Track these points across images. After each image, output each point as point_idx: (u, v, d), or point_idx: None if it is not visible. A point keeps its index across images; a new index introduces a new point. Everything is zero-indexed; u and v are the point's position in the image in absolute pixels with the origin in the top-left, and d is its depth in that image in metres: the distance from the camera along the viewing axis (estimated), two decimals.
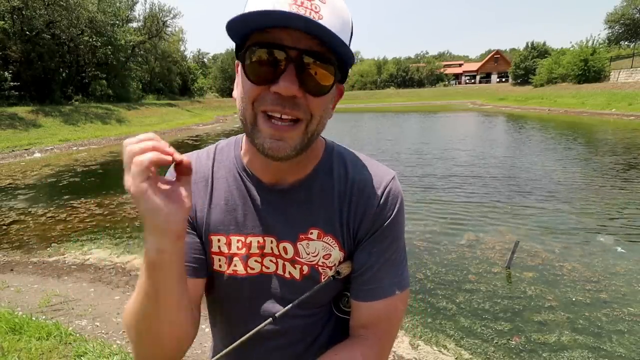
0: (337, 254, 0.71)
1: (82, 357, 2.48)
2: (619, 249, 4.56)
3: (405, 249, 0.75)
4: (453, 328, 3.20)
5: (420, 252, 4.62)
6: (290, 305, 0.70)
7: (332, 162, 0.73)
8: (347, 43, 0.58)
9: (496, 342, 3.01)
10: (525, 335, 3.07)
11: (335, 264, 0.71)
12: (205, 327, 3.08)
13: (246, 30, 0.57)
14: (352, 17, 0.62)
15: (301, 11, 0.54)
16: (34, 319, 2.97)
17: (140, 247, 5.02)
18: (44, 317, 3.12)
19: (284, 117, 0.58)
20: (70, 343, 2.66)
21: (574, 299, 3.54)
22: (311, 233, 0.70)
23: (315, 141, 0.69)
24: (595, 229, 5.22)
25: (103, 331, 3.03)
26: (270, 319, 0.68)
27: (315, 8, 0.55)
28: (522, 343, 2.99)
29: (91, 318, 3.21)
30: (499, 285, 3.85)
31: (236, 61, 0.65)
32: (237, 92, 0.65)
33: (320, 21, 0.54)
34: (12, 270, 4.40)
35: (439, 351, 2.92)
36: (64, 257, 4.74)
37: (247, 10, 0.56)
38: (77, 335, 2.81)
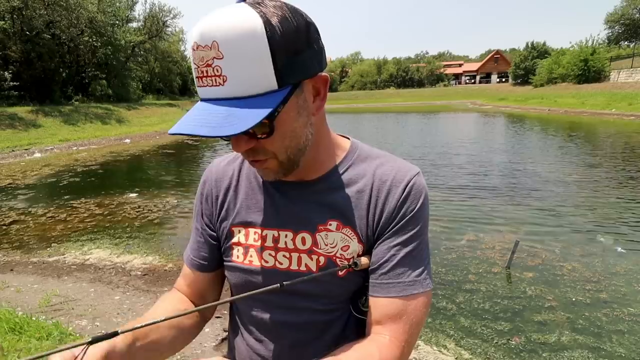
0: (355, 246, 0.70)
1: None
2: (619, 249, 4.56)
3: (428, 248, 0.73)
4: (453, 328, 3.20)
5: None
6: (306, 277, 0.68)
7: (355, 158, 0.73)
8: (277, 57, 0.52)
9: (496, 342, 3.01)
10: (525, 335, 3.07)
11: (353, 257, 0.70)
12: (205, 328, 3.08)
13: None
14: (288, 13, 0.54)
15: (208, 83, 0.53)
16: (34, 319, 2.96)
17: (141, 247, 5.03)
18: (44, 317, 3.12)
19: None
20: None
21: (574, 299, 3.54)
22: (330, 224, 0.70)
23: (335, 142, 0.73)
24: (595, 229, 5.21)
25: (103, 331, 3.02)
26: (277, 285, 0.63)
27: (217, 71, 0.52)
28: (522, 343, 2.99)
29: (91, 318, 3.21)
30: (499, 285, 3.85)
31: None
32: None
33: (221, 88, 0.53)
34: (12, 270, 4.41)
35: (439, 351, 2.92)
36: (64, 257, 4.74)
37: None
38: (77, 335, 2.81)
